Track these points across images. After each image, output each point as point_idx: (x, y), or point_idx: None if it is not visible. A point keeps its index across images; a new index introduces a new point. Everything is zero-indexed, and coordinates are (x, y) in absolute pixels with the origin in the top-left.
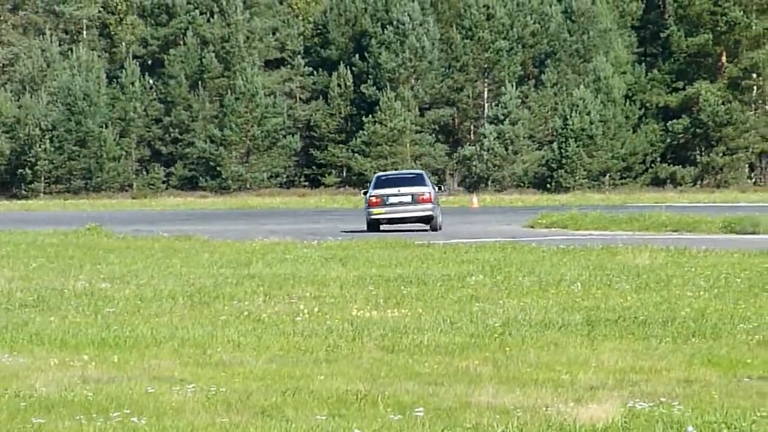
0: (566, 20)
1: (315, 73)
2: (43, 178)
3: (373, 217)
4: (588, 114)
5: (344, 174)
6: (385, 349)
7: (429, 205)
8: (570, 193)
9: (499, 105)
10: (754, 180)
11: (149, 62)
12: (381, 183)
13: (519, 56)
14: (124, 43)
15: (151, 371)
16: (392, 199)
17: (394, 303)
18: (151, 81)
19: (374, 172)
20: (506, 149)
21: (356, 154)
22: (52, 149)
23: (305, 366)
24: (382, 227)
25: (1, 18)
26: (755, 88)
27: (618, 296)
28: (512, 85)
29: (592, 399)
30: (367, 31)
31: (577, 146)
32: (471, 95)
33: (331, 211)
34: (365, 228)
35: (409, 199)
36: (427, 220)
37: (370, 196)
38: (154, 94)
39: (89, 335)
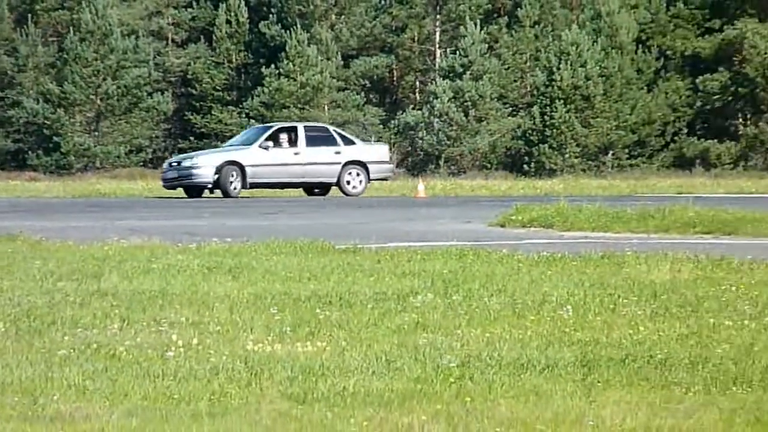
0: None
1: (194, 4)
2: None
3: None
4: (583, 65)
5: None
6: (294, 398)
7: None
8: (557, 178)
9: (457, 52)
10: None
11: None
12: None
13: None
14: None
15: None
16: None
17: (306, 333)
18: None
19: None
20: (466, 115)
21: (253, 121)
22: None
23: (179, 422)
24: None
25: None
26: None
27: (626, 326)
28: (475, 24)
29: None
30: None
31: (568, 111)
32: (416, 38)
33: (216, 201)
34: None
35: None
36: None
37: None
38: None
39: None
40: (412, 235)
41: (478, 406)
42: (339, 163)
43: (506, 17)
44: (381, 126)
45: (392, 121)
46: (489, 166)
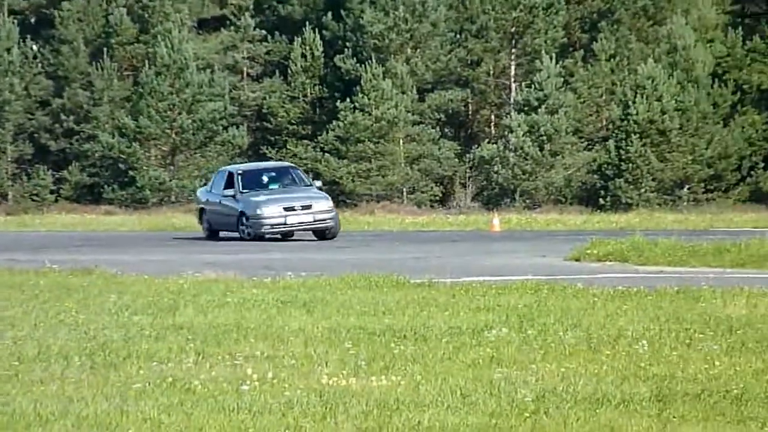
0: None
1: (269, 38)
2: None
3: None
4: (659, 99)
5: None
6: None
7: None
8: (632, 212)
9: (532, 86)
10: None
11: (32, 20)
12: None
13: (561, 16)
14: None
15: None
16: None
17: (381, 367)
18: (35, 47)
19: (353, 180)
20: (541, 149)
21: (327, 154)
22: None
23: None
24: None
25: None
26: None
27: (701, 360)
28: (551, 58)
29: None
30: None
31: (644, 145)
32: (492, 72)
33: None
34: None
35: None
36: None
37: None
38: (39, 65)
39: None
40: (487, 269)
41: None
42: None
43: (582, 51)
44: (456, 160)
45: (467, 155)
46: (564, 200)
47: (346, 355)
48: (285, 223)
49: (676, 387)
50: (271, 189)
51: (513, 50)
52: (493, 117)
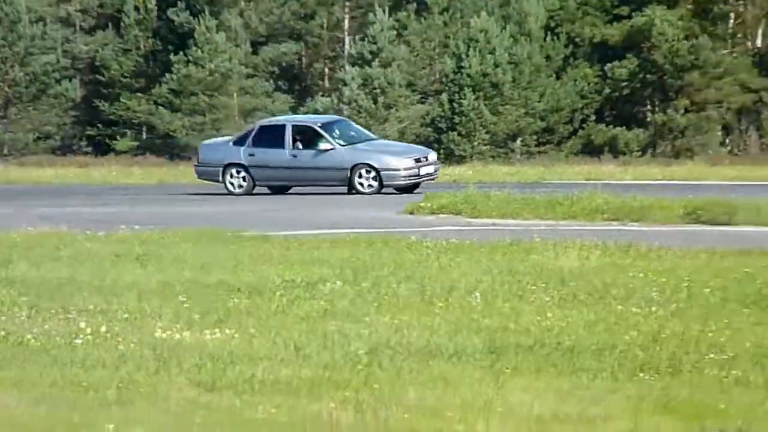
0: None
1: None
2: None
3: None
4: (492, 53)
5: (144, 135)
6: (203, 385)
7: None
8: (466, 165)
9: (366, 39)
10: (729, 148)
11: None
12: None
13: None
14: None
15: None
16: None
17: (214, 320)
18: None
19: (187, 134)
20: (375, 102)
21: (161, 108)
22: None
23: (88, 410)
24: None
25: None
26: (732, 16)
27: (534, 312)
28: (384, 11)
29: None
30: None
31: (476, 99)
32: (325, 25)
33: (124, 188)
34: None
35: None
36: None
37: None
38: None
39: None
40: (320, 222)
41: (387, 393)
42: None
43: (415, 4)
44: (290, 113)
45: (301, 108)
46: None
47: (179, 309)
48: (419, 174)
49: (509, 339)
50: (369, 142)
51: (346, 3)
52: (327, 70)
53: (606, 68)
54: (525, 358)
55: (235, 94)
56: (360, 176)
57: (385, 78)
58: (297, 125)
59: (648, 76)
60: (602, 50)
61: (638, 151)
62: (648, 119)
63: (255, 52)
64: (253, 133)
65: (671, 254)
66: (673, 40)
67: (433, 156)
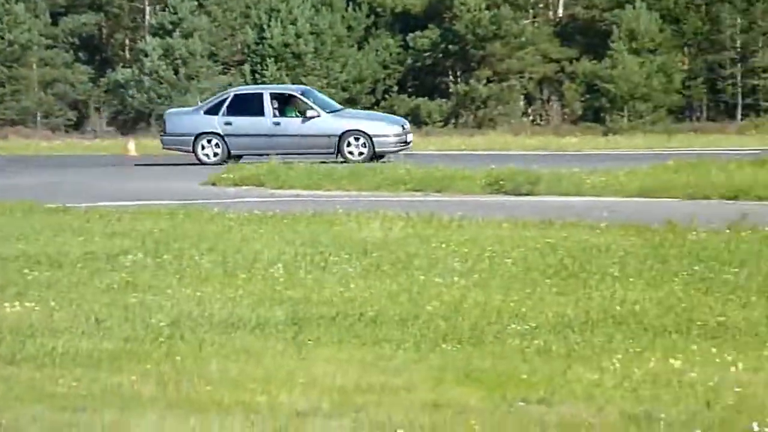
0: None
1: None
2: None
3: None
4: (293, 23)
5: None
6: (2, 358)
7: None
8: None
9: (167, 10)
10: (532, 118)
11: None
12: None
13: None
14: None
15: None
16: None
17: (14, 293)
18: None
19: None
20: (176, 73)
21: None
22: None
23: None
24: None
25: None
26: None
27: (337, 284)
28: None
29: None
30: None
31: (278, 69)
32: None
33: None
34: None
35: None
36: None
37: None
38: None
39: None
40: (122, 194)
41: (189, 365)
42: None
43: None
44: (91, 84)
45: (102, 80)
46: None
47: None
48: (405, 141)
49: (312, 310)
50: (343, 110)
51: None
52: (127, 41)
53: (408, 38)
54: (328, 330)
55: (34, 65)
56: (349, 144)
57: (187, 48)
58: (275, 93)
59: (450, 46)
60: (404, 20)
61: (441, 121)
62: (450, 89)
63: (55, 23)
64: (227, 102)
65: (474, 224)
66: (475, 10)
67: (407, 125)
